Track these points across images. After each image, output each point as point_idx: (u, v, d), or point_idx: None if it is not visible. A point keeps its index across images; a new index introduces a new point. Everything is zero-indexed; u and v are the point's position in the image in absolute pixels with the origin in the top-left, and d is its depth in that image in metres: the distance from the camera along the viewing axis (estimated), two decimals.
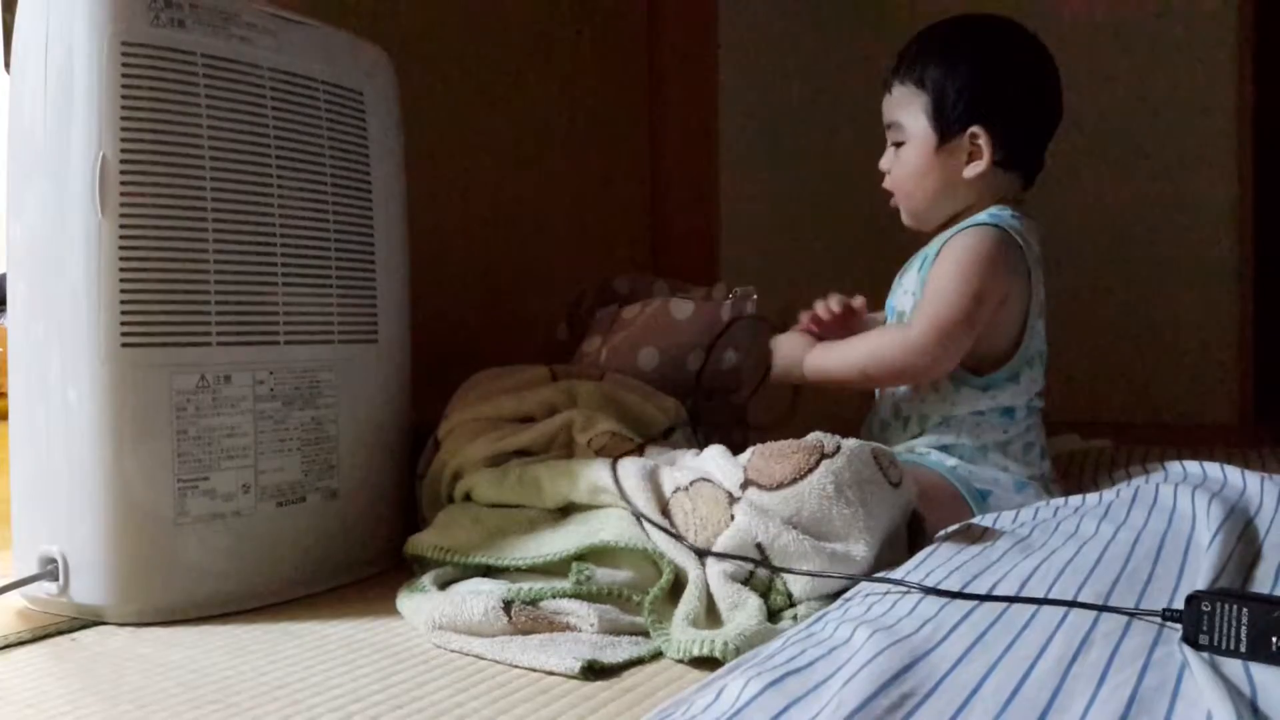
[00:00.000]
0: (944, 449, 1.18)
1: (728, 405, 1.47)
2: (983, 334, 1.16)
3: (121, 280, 0.93)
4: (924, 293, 1.19)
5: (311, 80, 1.06)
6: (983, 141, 1.18)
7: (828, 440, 0.96)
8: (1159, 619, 0.73)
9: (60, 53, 0.93)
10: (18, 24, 0.96)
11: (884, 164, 1.25)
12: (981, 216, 1.19)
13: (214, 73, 0.98)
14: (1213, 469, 1.21)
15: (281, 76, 1.03)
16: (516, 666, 0.83)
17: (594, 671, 0.81)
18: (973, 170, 1.19)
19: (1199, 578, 0.83)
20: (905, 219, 1.27)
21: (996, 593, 0.80)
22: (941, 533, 1.01)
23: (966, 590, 0.81)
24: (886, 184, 1.26)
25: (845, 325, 1.28)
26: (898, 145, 1.23)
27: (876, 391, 1.29)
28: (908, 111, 1.21)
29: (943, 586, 0.82)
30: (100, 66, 0.92)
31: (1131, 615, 0.75)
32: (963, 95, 1.17)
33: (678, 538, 0.96)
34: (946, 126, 1.19)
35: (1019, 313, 1.18)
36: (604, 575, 0.94)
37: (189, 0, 0.97)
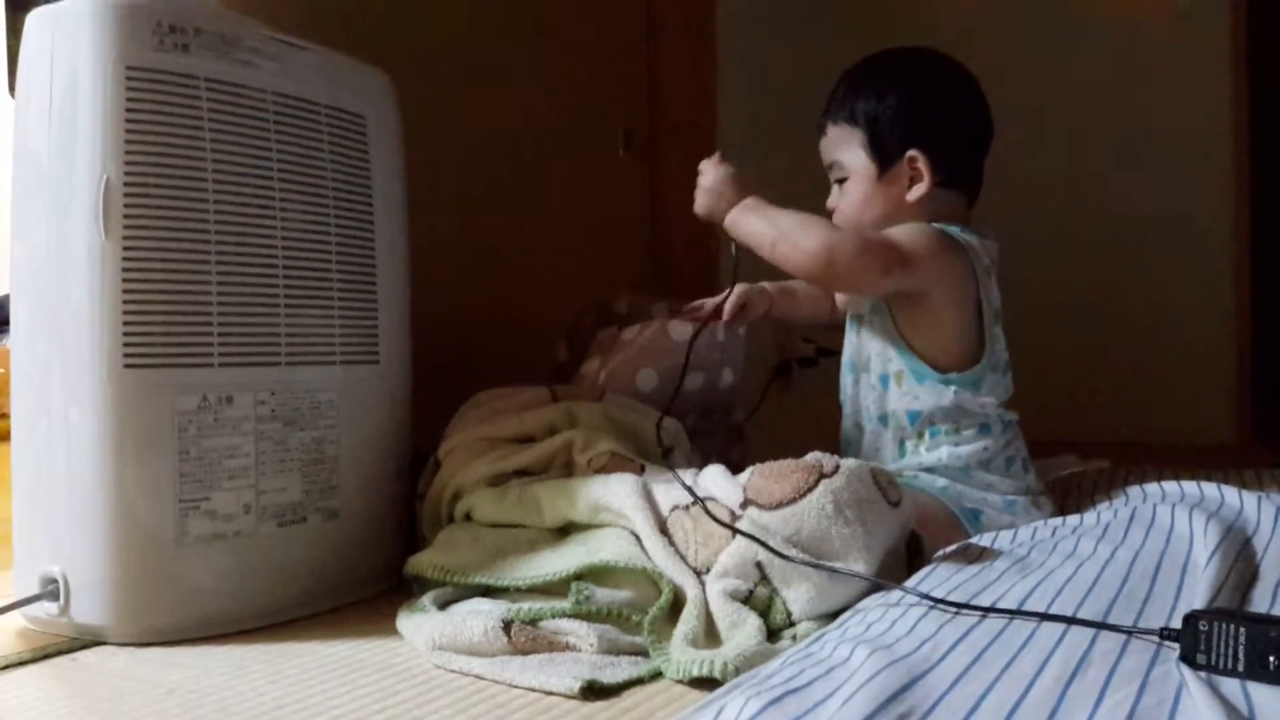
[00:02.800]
0: (930, 470, 1.19)
1: (726, 425, 1.47)
2: (926, 329, 1.19)
3: (124, 301, 0.93)
4: None
5: (314, 104, 1.07)
6: (921, 163, 1.21)
7: (826, 460, 0.96)
8: (1157, 638, 0.74)
9: (65, 77, 0.94)
10: (23, 48, 0.97)
11: (831, 203, 1.29)
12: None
13: (217, 96, 0.98)
14: (1210, 489, 1.22)
15: (284, 100, 1.04)
16: (516, 686, 0.83)
17: (593, 691, 0.81)
18: (915, 193, 1.22)
19: (1196, 597, 0.84)
20: None
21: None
22: (940, 553, 1.01)
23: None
24: (835, 220, 1.28)
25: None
26: (840, 182, 1.27)
27: (845, 401, 1.30)
28: (845, 149, 1.25)
29: (940, 607, 0.82)
30: (104, 90, 0.93)
31: (1129, 634, 0.75)
32: (896, 122, 1.21)
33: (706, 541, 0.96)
34: (884, 155, 1.22)
35: (964, 316, 1.20)
36: (603, 595, 0.94)
37: (193, 25, 0.98)
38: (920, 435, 1.20)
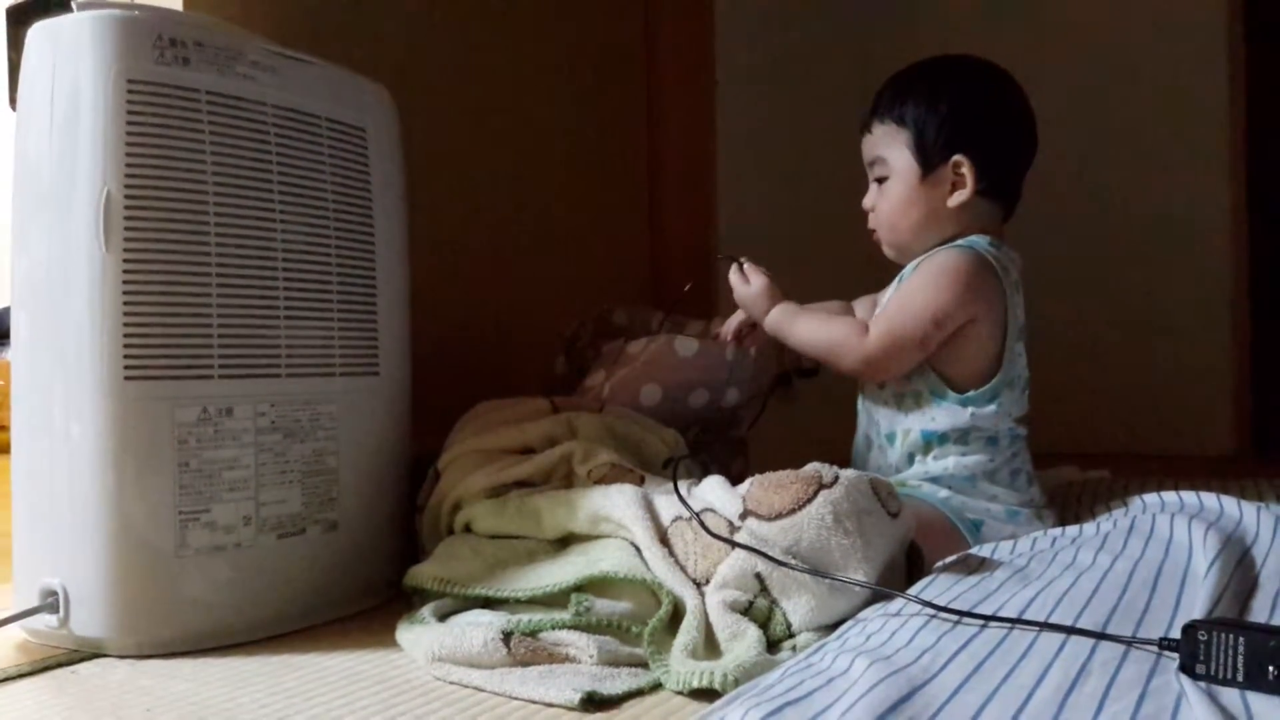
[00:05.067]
0: (934, 480, 1.19)
1: (727, 438, 1.48)
2: (959, 354, 1.19)
3: (125, 314, 0.94)
4: (892, 300, 1.23)
5: (314, 117, 1.07)
6: (965, 170, 1.21)
7: (826, 471, 0.96)
8: (1156, 648, 0.74)
9: (66, 90, 0.94)
10: (25, 61, 0.98)
11: (867, 202, 1.29)
12: (959, 243, 1.21)
13: (218, 109, 0.99)
14: (1209, 499, 1.22)
15: (285, 113, 1.04)
16: (516, 698, 0.83)
17: (593, 703, 0.81)
18: (957, 199, 1.22)
19: (1196, 607, 0.84)
20: (889, 253, 1.30)
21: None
22: (939, 563, 1.01)
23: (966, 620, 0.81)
24: (871, 221, 1.29)
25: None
26: (880, 181, 1.26)
27: (860, 413, 1.31)
28: (890, 147, 1.25)
29: (941, 616, 0.82)
30: (105, 103, 0.93)
31: (1129, 644, 0.75)
32: (944, 126, 1.21)
33: (717, 536, 0.96)
34: (930, 157, 1.22)
35: (995, 335, 1.20)
36: (603, 606, 0.94)
37: (194, 39, 0.98)
38: (929, 449, 1.20)
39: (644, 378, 1.33)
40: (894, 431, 1.23)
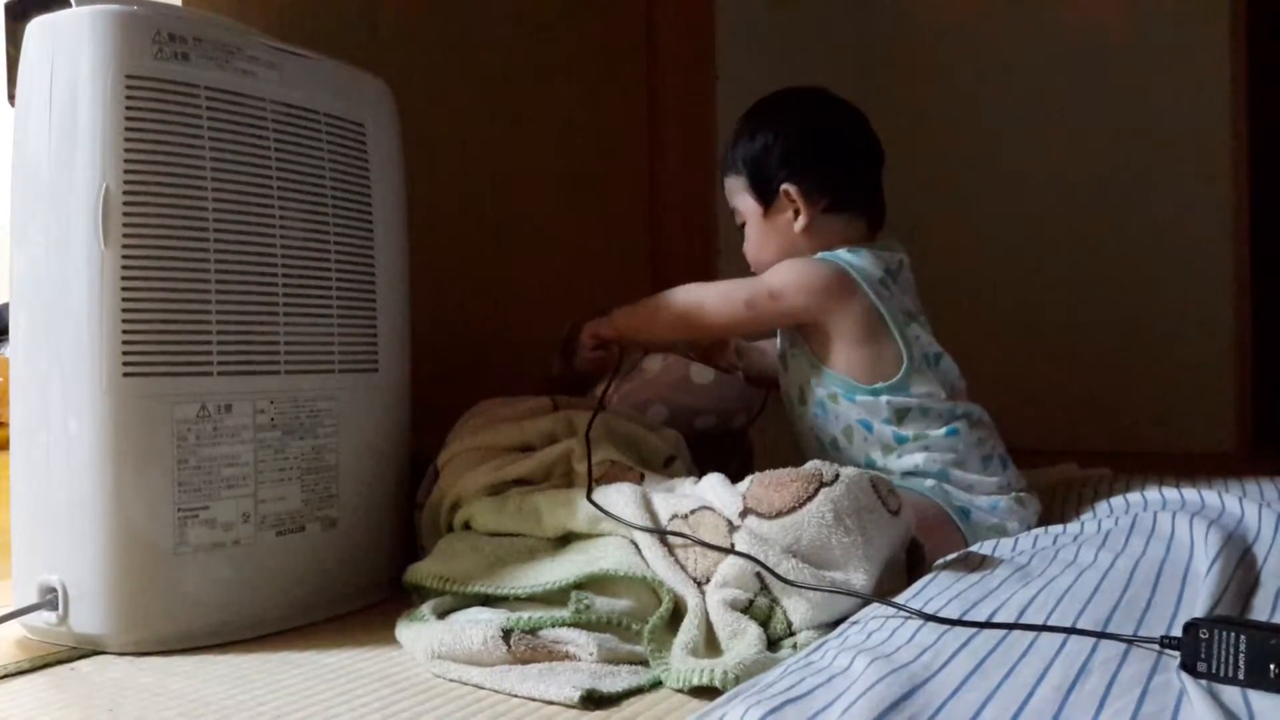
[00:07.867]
0: (912, 474, 1.20)
1: (729, 442, 1.47)
2: (840, 357, 1.22)
3: (123, 310, 0.93)
4: None
5: (314, 112, 1.07)
6: (795, 195, 1.26)
7: (826, 468, 0.96)
8: (1157, 646, 0.73)
9: (65, 86, 0.94)
10: (23, 57, 0.97)
11: (744, 248, 1.35)
12: (818, 255, 1.25)
13: (217, 105, 0.99)
14: (1210, 496, 1.22)
15: (284, 108, 1.04)
16: (515, 696, 0.83)
17: (593, 701, 0.81)
18: (800, 224, 1.27)
19: (1197, 605, 0.84)
20: None
21: (995, 620, 0.81)
22: (940, 561, 1.01)
23: (965, 618, 0.81)
24: (747, 261, 1.35)
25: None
26: (743, 226, 1.33)
27: (806, 446, 1.32)
28: (736, 195, 1.32)
29: (942, 614, 0.82)
30: (104, 99, 0.93)
31: (1130, 642, 0.75)
32: (766, 160, 1.28)
33: (706, 542, 0.96)
34: (764, 193, 1.29)
35: (869, 332, 1.22)
36: (603, 604, 0.94)
37: (193, 34, 0.98)
38: (888, 448, 1.21)
39: (653, 394, 1.33)
40: (837, 434, 1.25)
